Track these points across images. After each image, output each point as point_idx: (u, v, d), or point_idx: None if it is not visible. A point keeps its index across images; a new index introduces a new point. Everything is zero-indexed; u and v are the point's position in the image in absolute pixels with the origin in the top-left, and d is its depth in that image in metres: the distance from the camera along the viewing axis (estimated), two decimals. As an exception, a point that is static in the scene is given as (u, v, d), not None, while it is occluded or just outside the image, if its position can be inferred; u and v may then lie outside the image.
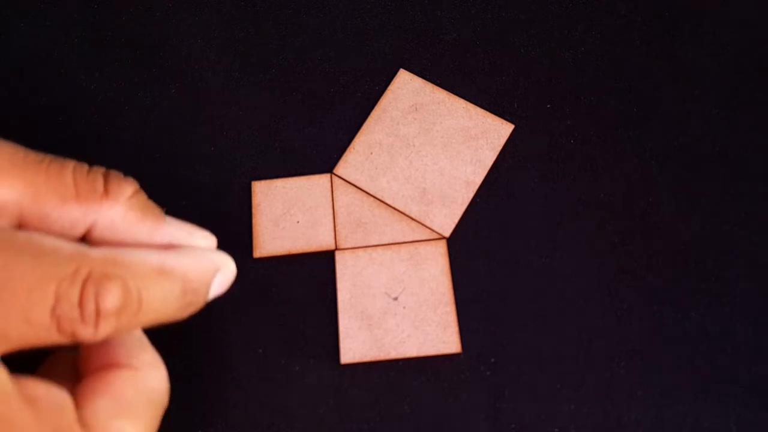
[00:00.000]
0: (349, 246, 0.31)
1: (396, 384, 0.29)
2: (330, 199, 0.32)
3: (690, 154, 0.32)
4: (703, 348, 0.29)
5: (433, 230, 0.31)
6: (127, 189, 0.23)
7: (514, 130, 0.32)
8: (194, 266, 0.23)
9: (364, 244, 0.31)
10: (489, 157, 0.32)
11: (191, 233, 0.24)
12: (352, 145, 0.32)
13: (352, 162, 0.32)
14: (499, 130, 0.32)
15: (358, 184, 0.32)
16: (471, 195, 0.31)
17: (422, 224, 0.31)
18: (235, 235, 0.32)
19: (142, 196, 0.24)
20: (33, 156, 0.22)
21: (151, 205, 0.24)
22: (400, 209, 0.31)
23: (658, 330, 0.29)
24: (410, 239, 0.31)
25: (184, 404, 0.29)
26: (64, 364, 0.23)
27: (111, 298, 0.20)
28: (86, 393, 0.21)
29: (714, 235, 0.30)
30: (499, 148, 0.32)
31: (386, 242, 0.31)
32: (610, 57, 0.34)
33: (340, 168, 0.32)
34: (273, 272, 0.31)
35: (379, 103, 0.33)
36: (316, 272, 0.31)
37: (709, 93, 0.33)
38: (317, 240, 0.31)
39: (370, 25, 0.35)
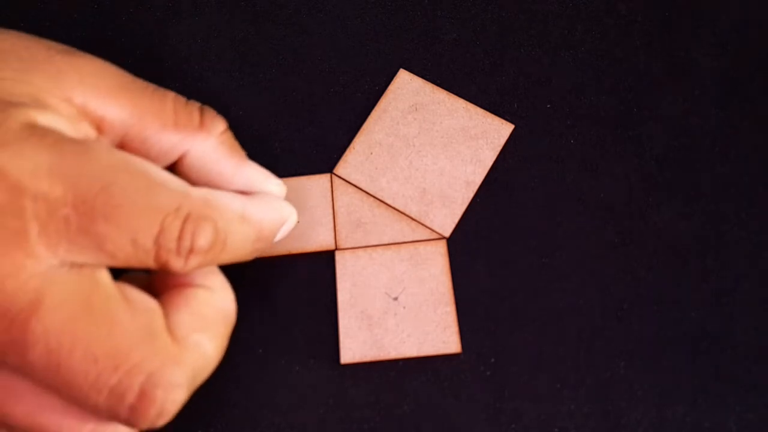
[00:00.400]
0: (349, 246, 0.31)
1: (396, 384, 0.29)
2: (330, 199, 0.32)
3: (690, 154, 0.32)
4: (703, 348, 0.29)
5: (433, 230, 0.31)
6: (220, 125, 0.26)
7: (514, 130, 0.32)
8: (268, 216, 0.25)
9: (364, 244, 0.31)
10: (489, 157, 0.32)
11: (267, 178, 0.27)
12: (352, 145, 0.32)
13: (352, 162, 0.32)
14: (499, 130, 0.32)
15: (358, 184, 0.32)
16: (471, 195, 0.31)
17: (422, 224, 0.31)
18: (235, 235, 0.32)
19: (231, 135, 0.26)
20: (140, 82, 0.24)
21: (237, 145, 0.26)
22: (400, 209, 0.31)
23: (658, 330, 0.29)
24: (410, 239, 0.31)
25: (184, 405, 0.29)
26: (139, 281, 0.24)
27: (204, 237, 0.22)
28: (168, 305, 0.23)
29: (714, 235, 0.30)
30: (499, 148, 0.32)
31: (386, 242, 0.31)
32: (610, 57, 0.34)
33: (340, 168, 0.32)
34: (273, 272, 0.31)
35: (379, 103, 0.33)
36: (316, 272, 0.31)
37: (709, 93, 0.33)
38: (317, 240, 0.31)
39: (370, 25, 0.35)
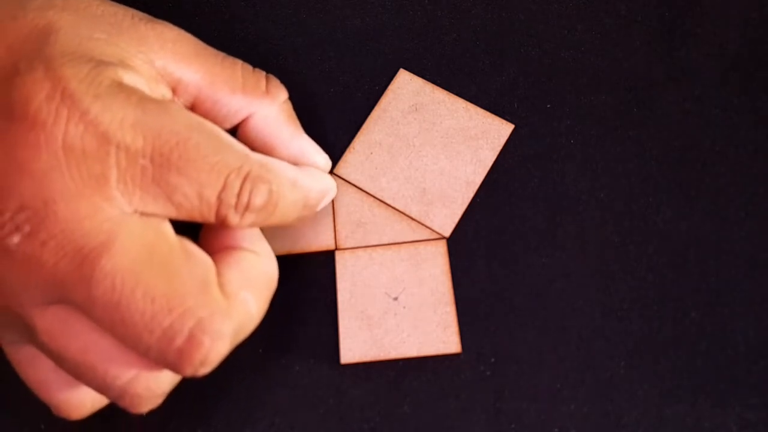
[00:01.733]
0: (349, 246, 0.31)
1: (396, 384, 0.29)
2: (330, 199, 0.32)
3: (690, 154, 0.32)
4: (703, 348, 0.29)
5: (433, 230, 0.31)
6: (283, 94, 0.28)
7: (514, 130, 0.32)
8: (315, 186, 0.27)
9: (364, 244, 0.31)
10: (489, 157, 0.32)
11: (318, 150, 0.29)
12: (352, 145, 0.32)
13: (352, 162, 0.32)
14: (499, 130, 0.32)
15: (358, 184, 0.32)
16: (471, 195, 0.31)
17: (422, 224, 0.31)
18: (235, 235, 0.32)
19: (290, 105, 0.29)
20: (212, 50, 0.27)
21: (295, 116, 0.29)
22: (400, 209, 0.31)
23: (658, 330, 0.29)
24: (410, 239, 0.31)
25: (184, 404, 0.29)
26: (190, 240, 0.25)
27: (260, 196, 0.24)
28: (220, 263, 0.24)
29: (714, 235, 0.30)
30: (499, 148, 0.32)
31: (386, 242, 0.31)
32: (610, 57, 0.34)
33: (340, 168, 0.32)
34: (273, 272, 0.31)
35: (379, 103, 0.33)
36: (316, 272, 0.31)
37: (709, 93, 0.33)
38: (317, 240, 0.31)
39: (370, 25, 0.35)
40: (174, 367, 0.22)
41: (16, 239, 0.21)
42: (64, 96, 0.21)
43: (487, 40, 0.35)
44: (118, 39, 0.24)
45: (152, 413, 0.29)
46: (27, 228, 0.21)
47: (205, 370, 0.23)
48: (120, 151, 0.22)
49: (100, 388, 0.24)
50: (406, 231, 0.31)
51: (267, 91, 0.27)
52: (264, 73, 0.28)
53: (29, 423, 0.29)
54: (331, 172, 0.32)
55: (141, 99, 0.23)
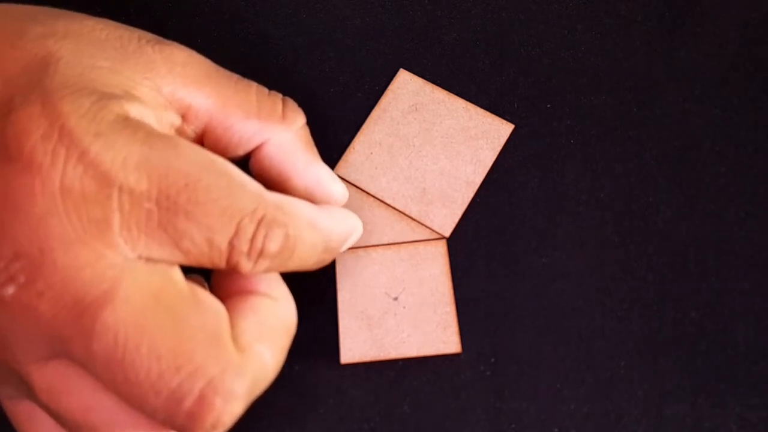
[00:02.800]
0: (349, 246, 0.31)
1: (396, 384, 0.29)
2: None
3: (690, 154, 0.32)
4: (703, 348, 0.29)
5: (433, 230, 0.31)
6: (300, 119, 0.27)
7: (514, 130, 0.32)
8: (337, 226, 0.25)
9: (364, 244, 0.31)
10: (489, 157, 0.32)
11: (334, 179, 0.27)
12: (352, 145, 0.32)
13: (352, 162, 0.32)
14: (499, 130, 0.32)
15: (358, 184, 0.32)
16: (471, 195, 0.31)
17: (422, 224, 0.31)
18: (235, 235, 0.32)
19: (308, 131, 0.27)
20: (224, 72, 0.25)
21: (312, 142, 0.27)
22: (400, 209, 0.31)
23: (658, 330, 0.29)
24: (410, 239, 0.31)
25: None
26: (201, 284, 0.24)
27: (275, 242, 0.22)
28: (233, 311, 0.22)
29: (714, 235, 0.30)
30: (499, 148, 0.32)
31: (386, 242, 0.31)
32: (610, 57, 0.34)
33: (340, 168, 0.32)
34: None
35: (379, 103, 0.33)
36: (316, 272, 0.31)
37: (709, 93, 0.33)
38: (317, 240, 0.31)
39: (370, 25, 0.35)
40: (183, 431, 0.21)
41: (10, 290, 0.19)
42: (62, 134, 0.20)
43: (487, 40, 0.35)
44: (123, 66, 0.22)
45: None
46: (22, 278, 0.19)
47: None
48: (123, 193, 0.20)
49: None
50: (406, 231, 0.31)
51: (283, 115, 0.26)
52: (280, 96, 0.26)
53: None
54: (331, 172, 0.32)
55: (147, 135, 0.21)
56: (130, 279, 0.20)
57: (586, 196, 0.31)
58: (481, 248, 0.31)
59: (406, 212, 0.31)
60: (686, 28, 0.34)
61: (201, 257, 0.21)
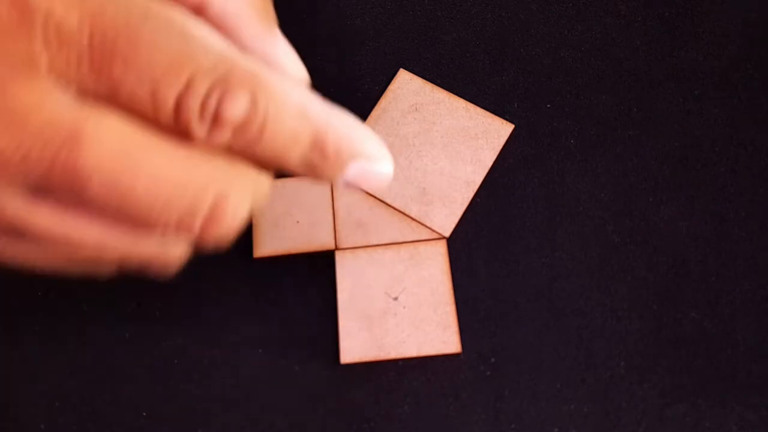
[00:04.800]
0: (349, 246, 0.31)
1: (396, 384, 0.29)
2: (330, 199, 0.32)
3: (690, 154, 0.32)
4: (703, 348, 0.29)
5: (433, 230, 0.31)
6: None
7: (514, 130, 0.32)
8: (338, 128, 0.20)
9: (364, 244, 0.31)
10: (489, 157, 0.32)
11: (293, 60, 0.21)
12: (352, 145, 0.32)
13: (352, 162, 0.32)
14: (499, 130, 0.32)
15: (358, 184, 0.32)
16: (471, 195, 0.31)
17: (422, 224, 0.31)
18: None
19: None
20: None
21: (270, 7, 0.21)
22: (400, 209, 0.31)
23: (658, 330, 0.29)
24: (410, 239, 0.31)
25: (184, 404, 0.29)
26: None
27: (236, 107, 0.18)
28: None
29: (714, 235, 0.30)
30: (499, 148, 0.32)
31: (386, 242, 0.31)
32: (610, 57, 0.34)
33: (340, 168, 0.32)
34: (273, 272, 0.31)
35: (379, 103, 0.33)
36: (316, 272, 0.31)
37: (709, 93, 0.33)
38: (317, 240, 0.31)
39: (370, 25, 0.35)
40: (201, 237, 0.19)
41: None
42: None
43: (487, 40, 0.35)
44: None
45: (153, 413, 0.29)
46: None
47: (228, 235, 0.19)
48: (48, 27, 0.16)
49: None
50: (406, 231, 0.31)
51: None
52: None
53: (29, 423, 0.29)
54: (331, 172, 0.32)
55: None
56: (93, 116, 0.17)
57: (586, 196, 0.31)
58: (481, 248, 0.31)
59: (406, 212, 0.31)
60: (686, 28, 0.34)
61: (142, 111, 0.18)
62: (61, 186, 0.17)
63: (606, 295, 0.30)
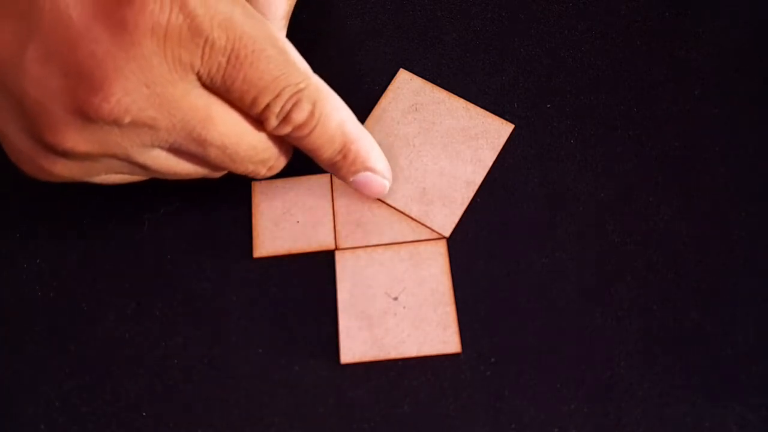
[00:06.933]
0: (349, 246, 0.31)
1: (396, 384, 0.29)
2: (330, 199, 0.32)
3: (690, 154, 0.32)
4: (703, 348, 0.29)
5: (433, 230, 0.31)
6: None
7: (514, 130, 0.32)
8: (362, 143, 0.29)
9: (364, 244, 0.31)
10: (489, 157, 0.32)
11: None
12: (352, 145, 0.32)
13: (352, 162, 0.32)
14: (499, 130, 0.32)
15: (358, 184, 0.32)
16: (471, 195, 0.31)
17: (422, 224, 0.31)
18: (235, 235, 0.32)
19: None
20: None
21: None
22: (400, 209, 0.31)
23: (658, 330, 0.29)
24: (410, 239, 0.31)
25: (184, 404, 0.29)
26: None
27: (301, 113, 0.27)
28: None
29: (714, 235, 0.30)
30: (499, 148, 0.32)
31: (386, 242, 0.31)
32: (610, 57, 0.34)
33: (340, 168, 0.32)
34: (273, 272, 0.31)
35: (379, 103, 0.33)
36: (316, 272, 0.31)
37: (709, 93, 0.33)
38: (317, 240, 0.31)
39: (370, 25, 0.35)
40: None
41: (127, 119, 0.24)
42: None
43: (487, 40, 0.35)
44: None
45: (153, 413, 0.29)
46: (135, 108, 0.24)
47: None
48: (207, 45, 0.24)
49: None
50: (406, 231, 0.31)
51: None
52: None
53: (29, 423, 0.29)
54: (331, 172, 0.32)
55: (233, 0, 0.25)
56: (216, 104, 0.26)
57: (586, 196, 0.31)
58: (481, 248, 0.31)
59: (406, 212, 0.31)
60: (686, 28, 0.34)
61: (242, 106, 0.26)
62: (190, 148, 0.27)
63: (606, 295, 0.30)
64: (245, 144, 0.27)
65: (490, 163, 0.32)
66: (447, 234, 0.31)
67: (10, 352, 0.30)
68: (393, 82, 0.34)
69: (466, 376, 0.29)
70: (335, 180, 0.32)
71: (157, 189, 0.32)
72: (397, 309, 0.30)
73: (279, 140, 0.28)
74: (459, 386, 0.29)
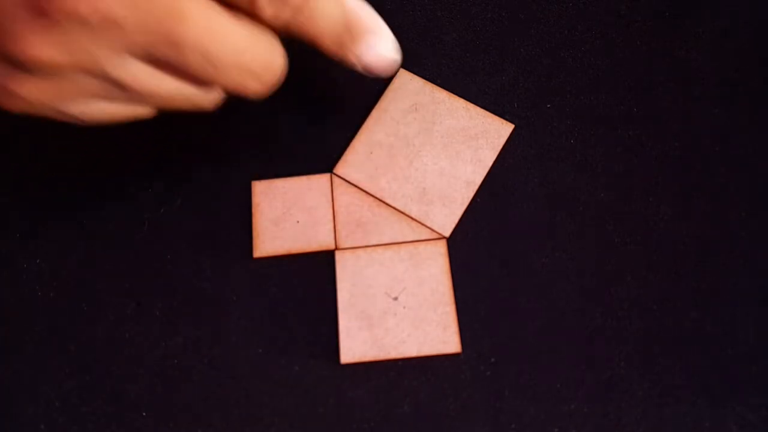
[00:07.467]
0: (349, 246, 0.31)
1: (396, 384, 0.29)
2: (330, 199, 0.32)
3: (690, 154, 0.32)
4: (703, 348, 0.29)
5: (433, 230, 0.31)
6: None
7: (514, 130, 0.32)
8: (363, 15, 0.27)
9: (364, 244, 0.31)
10: (489, 157, 0.32)
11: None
12: (352, 145, 0.32)
13: (352, 162, 0.32)
14: (499, 130, 0.32)
15: (358, 184, 0.32)
16: (471, 195, 0.31)
17: (422, 224, 0.31)
18: (235, 235, 0.32)
19: None
20: None
21: None
22: (400, 209, 0.31)
23: (658, 330, 0.29)
24: (410, 239, 0.31)
25: (184, 404, 0.29)
26: None
27: None
28: None
29: (714, 235, 0.30)
30: (499, 148, 0.32)
31: (386, 242, 0.31)
32: (610, 57, 0.34)
33: (340, 168, 0.32)
34: (273, 272, 0.31)
35: (379, 103, 0.33)
36: (316, 272, 0.31)
37: (709, 93, 0.33)
38: (317, 240, 0.31)
39: (370, 25, 0.35)
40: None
41: (94, 17, 0.23)
42: None
43: (487, 40, 0.35)
44: None
45: (153, 413, 0.29)
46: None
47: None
48: None
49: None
50: (406, 231, 0.31)
51: None
52: None
53: (29, 423, 0.29)
54: (331, 171, 0.32)
55: None
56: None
57: (586, 196, 0.31)
58: (481, 248, 0.31)
59: (406, 212, 0.31)
60: (686, 28, 0.34)
61: None
62: (167, 54, 0.24)
63: (606, 295, 0.30)
64: (228, 46, 0.25)
65: (490, 163, 0.32)
66: (447, 234, 0.31)
67: (10, 352, 0.30)
68: (393, 82, 0.34)
69: (466, 376, 0.29)
70: (335, 180, 0.32)
71: (157, 189, 0.32)
72: (397, 309, 0.30)
73: (266, 42, 0.26)
74: (459, 386, 0.29)
